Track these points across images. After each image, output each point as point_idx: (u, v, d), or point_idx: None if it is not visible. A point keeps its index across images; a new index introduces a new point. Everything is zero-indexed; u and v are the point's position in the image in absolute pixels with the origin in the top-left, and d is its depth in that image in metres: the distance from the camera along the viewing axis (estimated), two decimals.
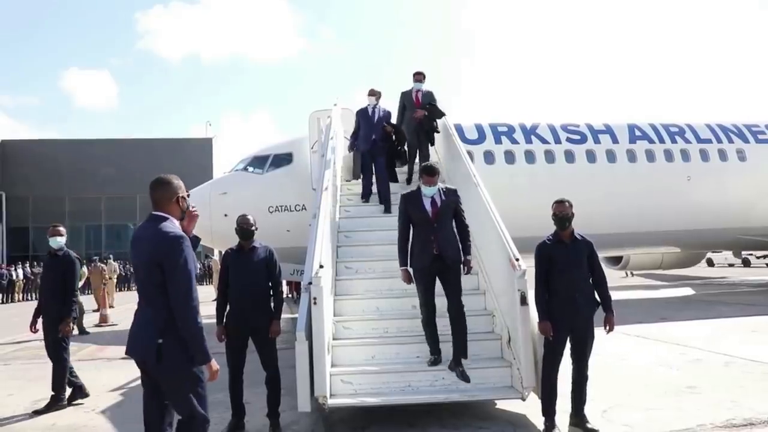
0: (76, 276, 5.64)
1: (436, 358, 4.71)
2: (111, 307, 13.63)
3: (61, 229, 5.77)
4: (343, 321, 5.32)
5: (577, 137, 13.07)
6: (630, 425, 4.20)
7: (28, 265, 26.67)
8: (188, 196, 3.02)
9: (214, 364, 2.79)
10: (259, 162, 12.18)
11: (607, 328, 4.20)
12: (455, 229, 4.87)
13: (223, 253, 5.77)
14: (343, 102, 9.94)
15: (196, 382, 2.77)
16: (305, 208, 10.65)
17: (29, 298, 25.53)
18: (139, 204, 37.53)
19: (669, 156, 13.12)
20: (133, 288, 30.20)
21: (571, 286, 4.15)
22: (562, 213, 4.30)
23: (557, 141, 12.88)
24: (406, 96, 8.40)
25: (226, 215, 10.91)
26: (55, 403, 5.39)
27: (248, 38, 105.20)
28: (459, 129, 11.55)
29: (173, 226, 2.81)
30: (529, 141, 12.80)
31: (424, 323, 4.79)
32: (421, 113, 8.04)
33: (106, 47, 76.81)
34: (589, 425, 4.09)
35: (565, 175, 12.40)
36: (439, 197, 4.83)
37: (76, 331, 5.72)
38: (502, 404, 4.77)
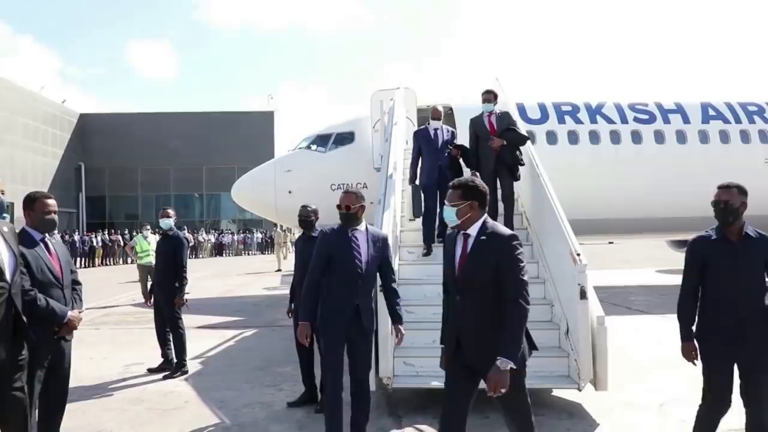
0: (184, 253, 6.13)
1: None
2: None
3: (170, 211, 6.29)
4: (406, 305, 5.51)
5: (645, 117, 12.62)
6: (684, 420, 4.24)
7: (105, 232, 28.45)
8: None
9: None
10: (321, 140, 12.56)
11: None
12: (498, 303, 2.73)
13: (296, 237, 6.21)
14: (400, 78, 10.04)
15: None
16: (366, 186, 10.93)
17: (108, 263, 27.36)
18: (205, 175, 39.14)
19: (745, 137, 12.50)
20: (201, 257, 31.65)
21: (737, 301, 3.04)
22: (726, 202, 3.12)
23: (624, 121, 12.50)
24: (476, 123, 6.64)
25: (290, 192, 11.60)
26: (178, 369, 5.93)
27: (302, 5, 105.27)
28: (521, 108, 11.44)
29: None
30: (594, 121, 12.49)
31: None
32: (499, 142, 6.38)
33: (163, 19, 79.89)
34: None
35: (631, 156, 12.09)
36: (475, 238, 2.82)
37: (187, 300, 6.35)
38: (558, 393, 4.91)
